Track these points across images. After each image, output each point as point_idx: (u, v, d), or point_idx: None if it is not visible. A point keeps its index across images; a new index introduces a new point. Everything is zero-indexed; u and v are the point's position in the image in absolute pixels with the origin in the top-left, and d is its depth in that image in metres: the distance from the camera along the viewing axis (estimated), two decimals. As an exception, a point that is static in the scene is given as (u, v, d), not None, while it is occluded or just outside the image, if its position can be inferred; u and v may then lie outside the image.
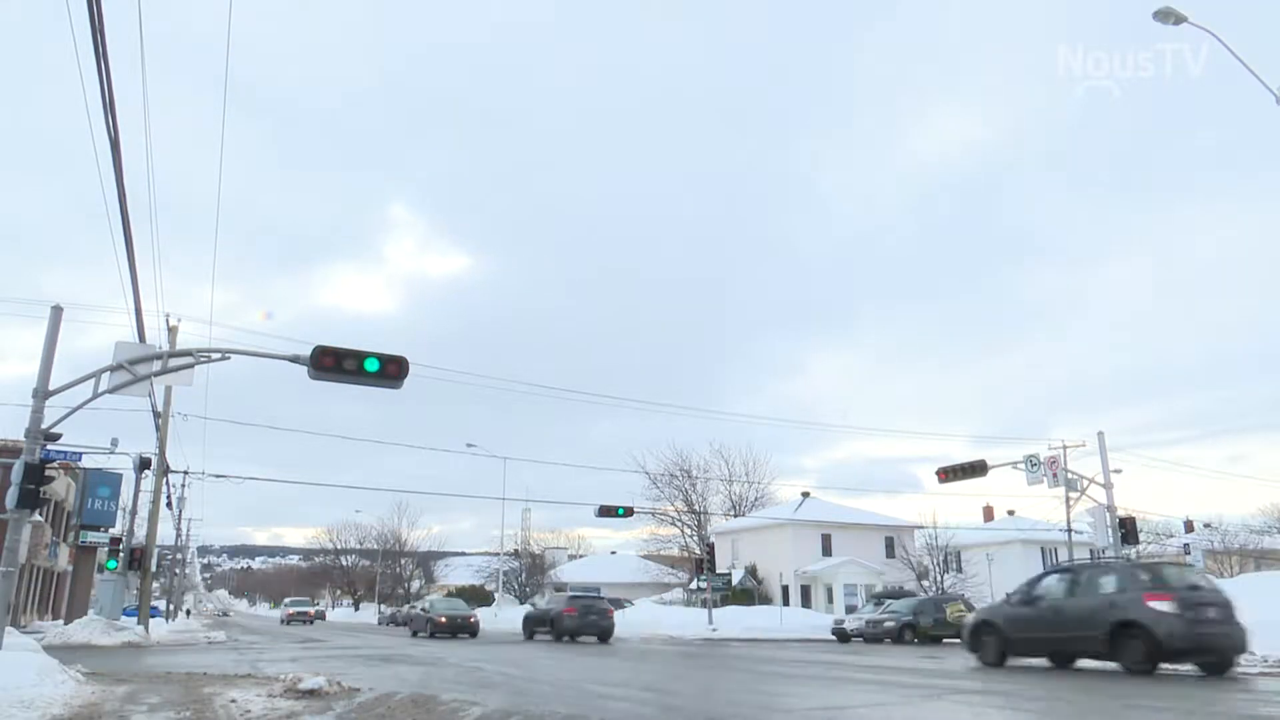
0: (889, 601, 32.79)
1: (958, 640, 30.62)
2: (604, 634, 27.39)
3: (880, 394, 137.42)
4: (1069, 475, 25.58)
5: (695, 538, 53.42)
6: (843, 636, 31.10)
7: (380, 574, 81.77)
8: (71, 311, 11.90)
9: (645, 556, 62.87)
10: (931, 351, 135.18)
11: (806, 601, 47.73)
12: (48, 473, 11.46)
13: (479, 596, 68.54)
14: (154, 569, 30.97)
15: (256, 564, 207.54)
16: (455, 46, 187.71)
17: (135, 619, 28.02)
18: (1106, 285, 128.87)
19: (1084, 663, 13.90)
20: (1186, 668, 12.88)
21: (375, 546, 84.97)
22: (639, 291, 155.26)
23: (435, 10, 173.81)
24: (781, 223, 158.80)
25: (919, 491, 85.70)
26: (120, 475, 35.16)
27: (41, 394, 10.77)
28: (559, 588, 32.28)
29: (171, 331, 24.64)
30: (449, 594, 71.54)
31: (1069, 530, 40.29)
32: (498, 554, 66.11)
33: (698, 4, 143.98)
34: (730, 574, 47.61)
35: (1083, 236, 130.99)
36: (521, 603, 64.83)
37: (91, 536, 39.38)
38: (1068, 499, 35.29)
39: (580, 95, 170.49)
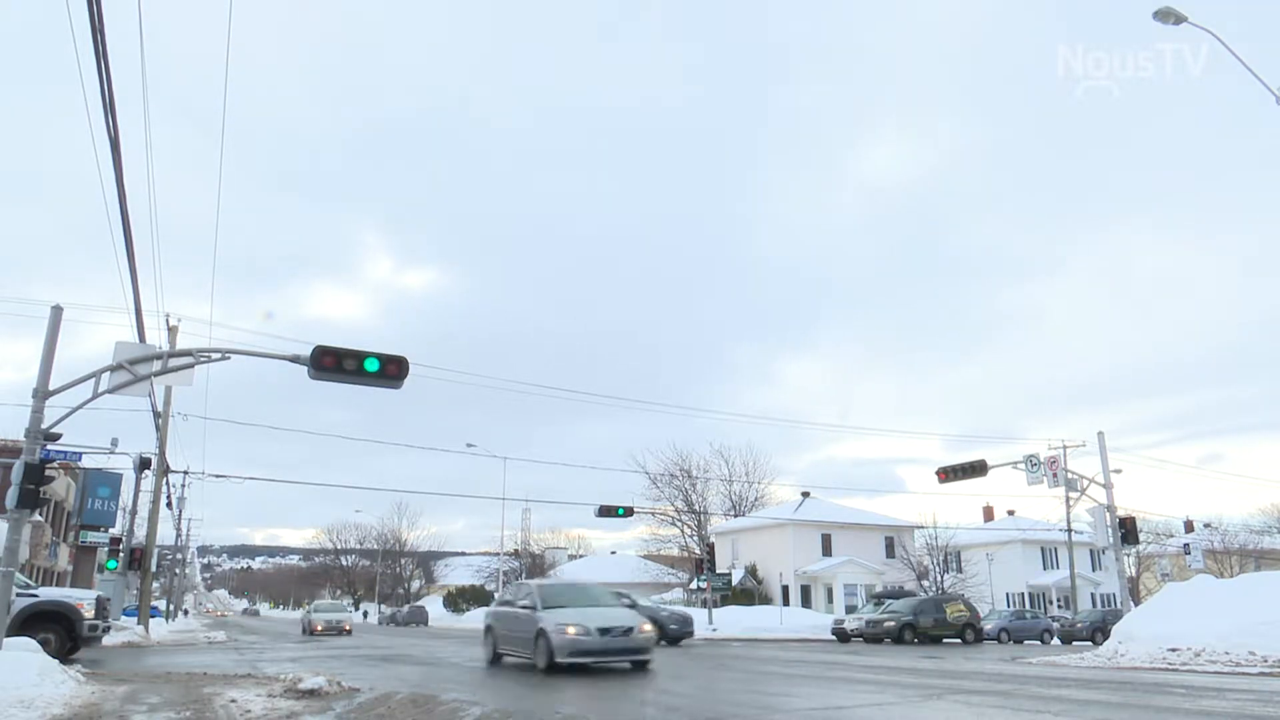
0: (889, 601, 32.77)
1: (959, 640, 30.75)
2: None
3: (849, 401, 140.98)
4: (1069, 475, 25.56)
5: (695, 538, 53.44)
6: (843, 636, 31.08)
7: (380, 574, 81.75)
8: (69, 312, 11.87)
9: (645, 556, 62.88)
10: (896, 360, 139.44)
11: (806, 601, 47.71)
12: (48, 473, 11.43)
13: (479, 596, 68.56)
14: (154, 569, 30.95)
15: (256, 564, 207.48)
16: (421, 71, 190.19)
17: (135, 619, 28.04)
18: (1065, 295, 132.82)
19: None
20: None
21: (375, 546, 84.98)
22: (613, 304, 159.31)
23: (402, 35, 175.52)
24: (742, 241, 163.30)
25: (903, 492, 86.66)
26: (120, 475, 35.13)
27: (41, 394, 10.75)
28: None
29: (171, 331, 24.63)
30: (448, 594, 71.74)
31: (1069, 530, 40.36)
32: (498, 554, 66.14)
33: (659, 31, 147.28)
34: (730, 574, 47.60)
35: (1038, 250, 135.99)
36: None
37: (91, 536, 39.36)
38: (1068, 499, 35.32)
39: (551, 119, 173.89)
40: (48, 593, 15.89)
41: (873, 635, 29.62)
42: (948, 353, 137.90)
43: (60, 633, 14.63)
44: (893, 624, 29.67)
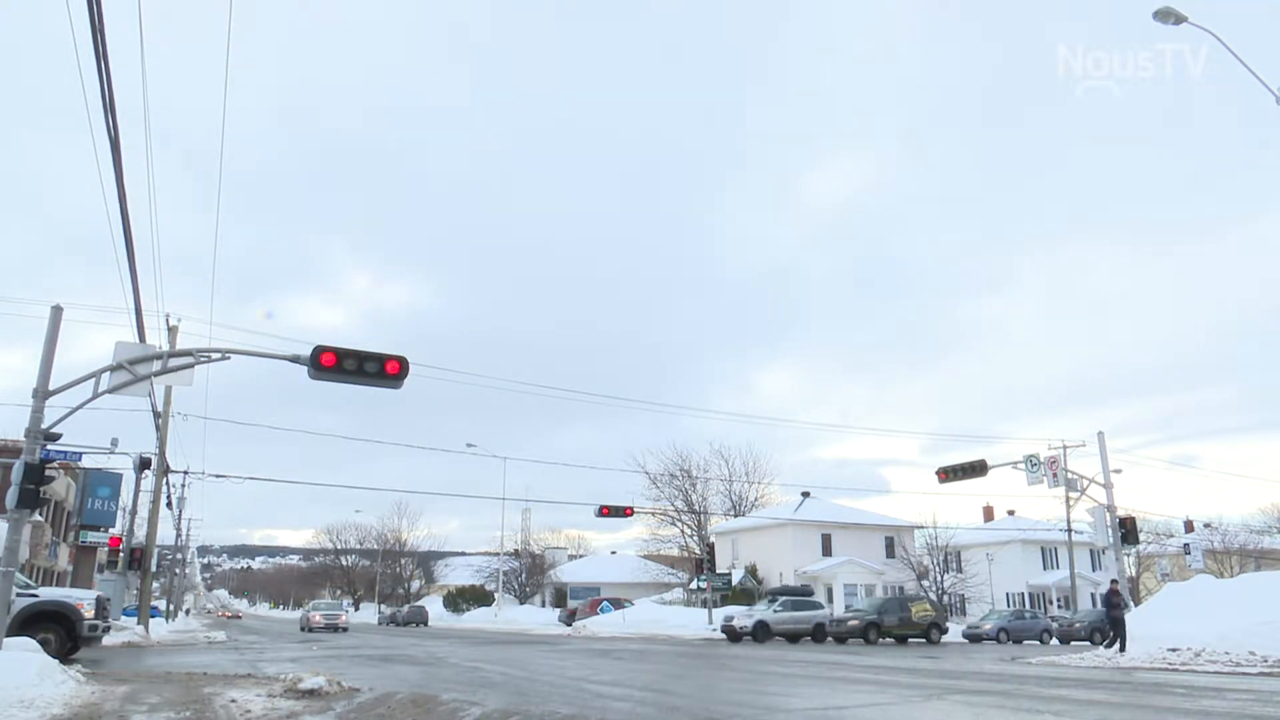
0: (784, 599, 32.27)
1: (923, 640, 30.74)
2: None
3: (832, 404, 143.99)
4: (1069, 475, 25.53)
5: (695, 537, 53.40)
6: (733, 635, 30.00)
7: (380, 574, 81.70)
8: (68, 313, 11.87)
9: (645, 556, 62.83)
10: (866, 368, 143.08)
11: (806, 601, 47.70)
12: (48, 473, 11.43)
13: (479, 597, 68.50)
14: (154, 569, 30.94)
15: (256, 564, 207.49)
16: (399, 87, 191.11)
17: (135, 619, 28.03)
18: (1023, 307, 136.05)
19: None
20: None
21: (375, 547, 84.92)
22: (604, 314, 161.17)
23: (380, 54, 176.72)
24: (712, 254, 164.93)
25: (896, 492, 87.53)
26: (120, 475, 35.07)
27: (41, 394, 10.75)
28: None
29: (171, 332, 24.62)
30: (448, 594, 71.75)
31: (1069, 530, 40.35)
32: (498, 554, 66.08)
33: (623, 50, 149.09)
34: (730, 574, 47.59)
35: (991, 265, 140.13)
36: (521, 603, 64.84)
37: (91, 536, 39.35)
38: (1068, 499, 35.31)
39: (524, 134, 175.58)
40: (48, 593, 15.89)
41: (838, 634, 29.75)
42: (916, 359, 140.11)
43: (60, 633, 14.62)
44: (857, 623, 29.72)
